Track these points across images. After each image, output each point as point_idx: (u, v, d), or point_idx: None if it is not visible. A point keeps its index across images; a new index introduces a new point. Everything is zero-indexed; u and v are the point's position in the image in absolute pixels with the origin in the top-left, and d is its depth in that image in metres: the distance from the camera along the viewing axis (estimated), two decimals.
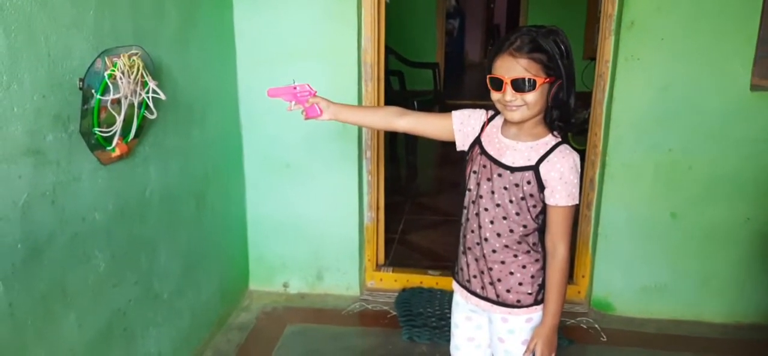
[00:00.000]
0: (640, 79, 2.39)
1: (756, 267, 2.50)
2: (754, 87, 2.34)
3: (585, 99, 2.61)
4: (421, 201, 4.17)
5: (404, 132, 1.60)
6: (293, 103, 1.56)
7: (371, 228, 2.86)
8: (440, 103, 6.01)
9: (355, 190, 2.72)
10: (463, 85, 8.49)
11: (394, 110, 1.60)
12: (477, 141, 1.50)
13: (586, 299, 2.73)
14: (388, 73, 5.57)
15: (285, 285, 2.85)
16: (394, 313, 2.67)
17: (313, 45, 2.54)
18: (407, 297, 2.77)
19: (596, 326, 2.55)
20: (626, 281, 2.61)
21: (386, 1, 2.70)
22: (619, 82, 2.42)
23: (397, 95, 5.49)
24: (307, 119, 1.57)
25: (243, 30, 2.56)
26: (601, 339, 2.47)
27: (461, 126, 1.53)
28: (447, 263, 3.17)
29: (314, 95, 1.57)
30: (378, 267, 2.94)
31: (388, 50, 5.71)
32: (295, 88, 1.55)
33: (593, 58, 2.59)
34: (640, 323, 2.58)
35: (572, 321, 2.59)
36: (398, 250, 3.31)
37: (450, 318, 2.55)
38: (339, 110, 1.59)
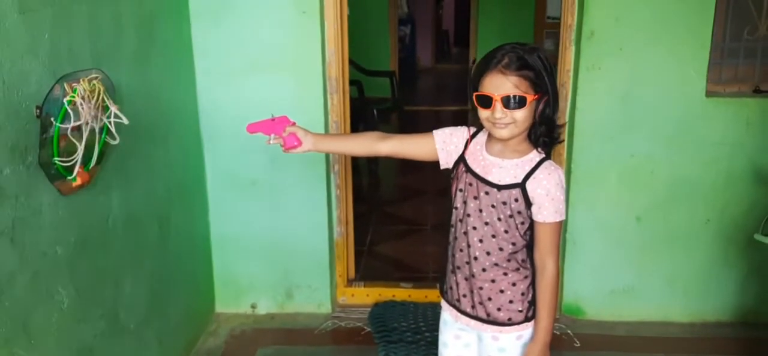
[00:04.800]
0: (601, 88, 2.44)
1: (718, 266, 2.58)
2: (709, 93, 2.43)
3: None
4: (387, 210, 4.15)
5: (387, 156, 1.57)
6: (272, 137, 1.52)
7: (341, 243, 2.81)
8: (399, 110, 6.01)
9: (324, 205, 2.66)
10: (417, 90, 8.50)
11: (374, 135, 1.58)
12: (461, 159, 1.48)
13: (557, 305, 2.76)
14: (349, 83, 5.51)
15: (253, 306, 2.77)
16: (369, 329, 2.63)
17: (276, 59, 2.48)
18: (381, 312, 2.73)
19: (569, 332, 2.58)
20: (595, 285, 2.65)
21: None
22: (581, 91, 2.45)
23: (356, 103, 5.43)
24: (286, 150, 1.53)
25: (201, 44, 2.46)
26: (575, 344, 2.50)
27: (444, 145, 1.51)
28: (417, 274, 3.15)
29: (292, 125, 1.53)
30: (349, 283, 2.89)
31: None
32: (273, 120, 1.52)
33: None
34: (611, 326, 2.63)
35: None
36: (368, 263, 3.26)
37: (425, 331, 2.56)
38: (318, 140, 1.56)
